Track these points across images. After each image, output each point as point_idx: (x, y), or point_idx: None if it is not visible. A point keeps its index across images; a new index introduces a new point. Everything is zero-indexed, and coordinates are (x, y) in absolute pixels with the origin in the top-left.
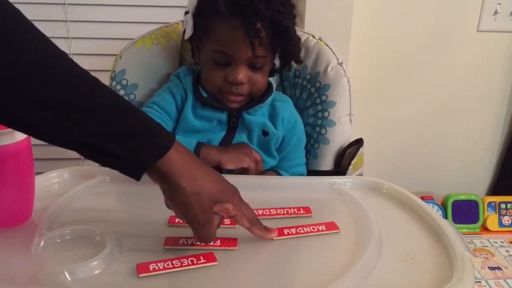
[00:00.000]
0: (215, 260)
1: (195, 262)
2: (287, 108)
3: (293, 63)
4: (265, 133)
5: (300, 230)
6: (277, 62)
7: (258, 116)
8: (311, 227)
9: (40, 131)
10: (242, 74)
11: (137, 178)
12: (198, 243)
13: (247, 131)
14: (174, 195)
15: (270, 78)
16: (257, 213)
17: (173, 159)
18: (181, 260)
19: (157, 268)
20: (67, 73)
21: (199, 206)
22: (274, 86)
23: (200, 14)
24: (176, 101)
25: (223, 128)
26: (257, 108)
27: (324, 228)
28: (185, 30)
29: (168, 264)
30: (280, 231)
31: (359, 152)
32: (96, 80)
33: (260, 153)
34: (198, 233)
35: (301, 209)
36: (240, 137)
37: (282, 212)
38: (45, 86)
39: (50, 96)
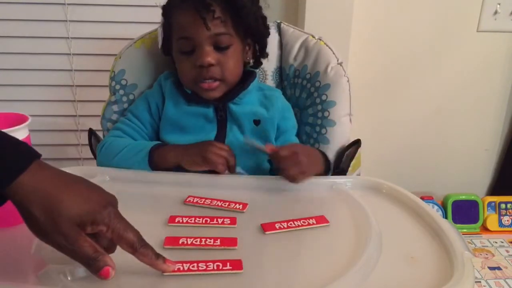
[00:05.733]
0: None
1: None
2: (278, 96)
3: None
4: (256, 122)
5: (291, 224)
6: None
7: (245, 106)
8: (301, 221)
9: None
10: (209, 56)
11: None
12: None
13: (237, 123)
14: (28, 221)
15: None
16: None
17: (25, 185)
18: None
19: None
20: None
21: (56, 232)
22: (273, 85)
23: (164, 17)
24: (151, 106)
25: (212, 126)
26: (241, 96)
27: (315, 222)
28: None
29: None
30: (272, 226)
31: (357, 154)
32: None
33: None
34: (72, 257)
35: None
36: (232, 132)
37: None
38: None
39: None
